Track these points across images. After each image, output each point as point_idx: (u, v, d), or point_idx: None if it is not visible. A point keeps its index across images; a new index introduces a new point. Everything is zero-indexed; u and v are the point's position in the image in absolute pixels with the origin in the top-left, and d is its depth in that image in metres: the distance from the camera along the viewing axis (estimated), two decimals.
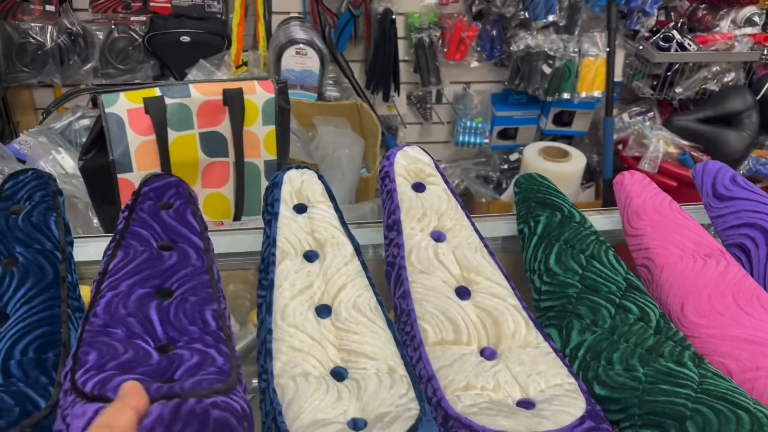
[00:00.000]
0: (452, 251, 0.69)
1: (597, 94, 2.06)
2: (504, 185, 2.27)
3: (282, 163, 1.28)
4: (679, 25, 2.03)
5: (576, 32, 1.96)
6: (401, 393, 0.51)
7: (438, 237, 0.72)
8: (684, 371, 0.54)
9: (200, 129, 1.18)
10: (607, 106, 2.03)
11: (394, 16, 1.90)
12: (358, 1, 1.90)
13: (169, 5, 1.72)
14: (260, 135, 1.22)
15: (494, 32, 2.00)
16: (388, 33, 1.90)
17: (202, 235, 0.69)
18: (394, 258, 0.70)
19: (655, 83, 2.12)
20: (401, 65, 2.10)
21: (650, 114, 2.24)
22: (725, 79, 2.10)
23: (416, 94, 2.16)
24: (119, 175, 1.13)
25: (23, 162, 1.50)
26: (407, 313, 0.63)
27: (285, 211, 0.73)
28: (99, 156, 1.14)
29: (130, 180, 1.14)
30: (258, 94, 1.21)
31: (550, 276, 0.68)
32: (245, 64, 1.86)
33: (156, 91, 1.13)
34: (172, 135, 1.15)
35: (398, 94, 2.07)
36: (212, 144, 1.19)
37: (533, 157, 1.94)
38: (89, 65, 1.79)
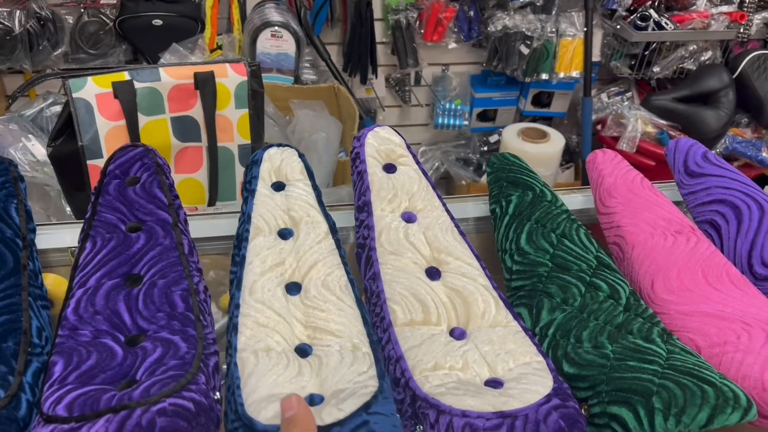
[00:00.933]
0: (423, 232, 0.69)
1: (575, 74, 2.05)
2: (484, 167, 2.26)
3: (256, 147, 1.26)
4: (656, 4, 2.03)
5: (553, 12, 1.95)
6: (361, 370, 0.51)
7: (409, 218, 0.71)
8: (652, 347, 0.54)
9: (171, 113, 1.15)
10: (585, 87, 2.03)
11: None
12: None
13: None
14: (233, 119, 1.21)
15: (472, 13, 1.99)
16: (365, 15, 1.88)
17: (170, 207, 0.67)
18: (364, 239, 0.69)
19: (633, 63, 2.12)
20: (379, 47, 2.09)
21: (628, 94, 2.24)
22: (702, 58, 2.11)
23: (394, 76, 2.15)
24: (89, 162, 1.11)
25: None
26: (377, 294, 0.62)
27: (262, 188, 0.72)
28: (68, 142, 1.12)
29: (100, 166, 1.12)
30: (230, 78, 1.19)
31: (521, 255, 0.68)
32: (220, 47, 1.83)
33: (125, 75, 1.11)
34: (142, 120, 1.13)
35: (376, 77, 2.05)
36: (184, 128, 1.17)
37: (512, 139, 1.93)
38: (59, 50, 1.76)
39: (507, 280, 0.69)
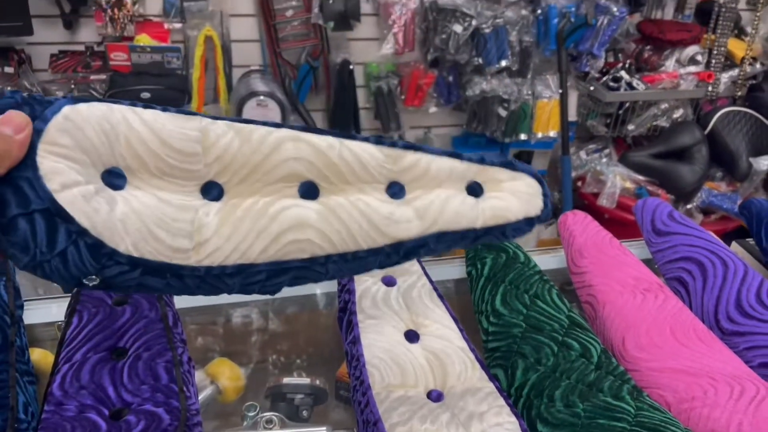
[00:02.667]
0: (402, 295, 0.71)
1: (552, 134, 2.12)
2: None
3: None
4: (627, 65, 2.12)
5: (529, 76, 2.04)
6: None
7: (389, 282, 0.74)
8: (621, 405, 0.56)
9: None
10: (563, 146, 2.09)
11: (352, 66, 1.96)
12: (317, 53, 1.95)
13: (129, 63, 1.74)
14: None
15: (450, 78, 2.07)
16: (347, 82, 1.95)
17: None
18: (345, 303, 0.71)
19: (608, 121, 2.20)
20: (362, 113, 2.15)
21: (606, 151, 2.31)
22: (674, 116, 2.19)
23: None
24: None
25: None
26: (357, 358, 0.64)
27: None
28: None
29: None
30: None
31: (496, 317, 0.70)
32: None
33: None
34: None
35: None
36: None
37: None
38: None
39: (484, 342, 0.71)
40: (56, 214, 0.37)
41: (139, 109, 0.43)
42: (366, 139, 0.48)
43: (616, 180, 2.07)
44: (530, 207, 0.51)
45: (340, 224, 0.46)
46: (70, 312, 0.65)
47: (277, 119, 1.88)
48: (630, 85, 2.07)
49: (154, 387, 0.58)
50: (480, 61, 1.96)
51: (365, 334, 0.66)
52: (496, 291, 0.73)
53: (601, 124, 2.20)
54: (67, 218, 0.37)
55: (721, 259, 0.77)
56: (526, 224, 0.51)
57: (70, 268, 0.38)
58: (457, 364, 0.63)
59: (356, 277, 0.73)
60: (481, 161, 0.52)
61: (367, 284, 0.72)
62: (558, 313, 0.69)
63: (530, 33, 1.97)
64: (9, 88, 1.66)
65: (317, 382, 0.78)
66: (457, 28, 1.85)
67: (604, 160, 2.20)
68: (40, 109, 0.38)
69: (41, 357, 0.72)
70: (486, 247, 0.79)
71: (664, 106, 2.16)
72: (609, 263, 0.78)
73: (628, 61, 2.14)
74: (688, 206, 2.05)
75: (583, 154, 2.27)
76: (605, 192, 2.05)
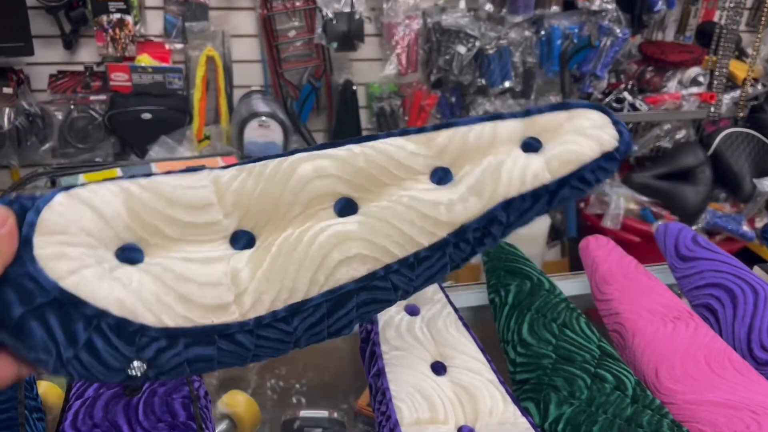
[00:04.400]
0: (426, 325, 0.68)
1: None
2: None
3: None
4: (629, 86, 2.12)
5: (532, 96, 2.03)
6: None
7: (412, 311, 0.71)
8: None
9: None
10: None
11: (354, 87, 1.94)
12: (319, 73, 1.94)
13: (129, 84, 1.72)
14: None
15: (453, 99, 2.06)
16: (350, 103, 1.94)
17: None
18: (368, 334, 0.68)
19: None
20: (364, 133, 2.14)
21: None
22: (677, 137, 2.18)
23: None
24: None
25: None
26: (382, 392, 0.61)
27: None
28: None
29: None
30: None
31: (524, 347, 0.67)
32: (208, 138, 1.86)
33: (117, 172, 1.12)
34: None
35: None
36: None
37: None
38: (47, 146, 1.78)
39: (511, 373, 0.68)
40: (67, 302, 0.34)
41: (139, 178, 0.39)
42: (389, 134, 0.43)
43: (620, 201, 2.06)
44: (603, 140, 0.43)
45: (389, 227, 0.41)
46: None
47: (279, 140, 1.87)
48: (633, 106, 2.07)
49: (171, 425, 0.55)
50: (483, 81, 1.95)
51: (390, 367, 0.63)
52: (522, 320, 0.70)
53: None
54: (80, 303, 0.34)
55: (750, 286, 0.75)
56: (606, 161, 0.43)
57: (104, 358, 0.35)
58: (488, 398, 0.60)
59: None
60: (527, 113, 0.45)
61: (390, 313, 0.69)
62: (588, 342, 0.67)
63: (533, 54, 1.97)
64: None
65: (335, 415, 0.75)
66: (461, 49, 1.84)
67: (609, 180, 2.19)
68: (30, 203, 0.35)
69: (48, 390, 0.68)
70: (510, 273, 0.77)
71: (666, 126, 2.15)
72: (636, 290, 0.75)
73: (631, 82, 2.14)
74: (693, 227, 2.03)
75: None
76: (609, 213, 2.03)
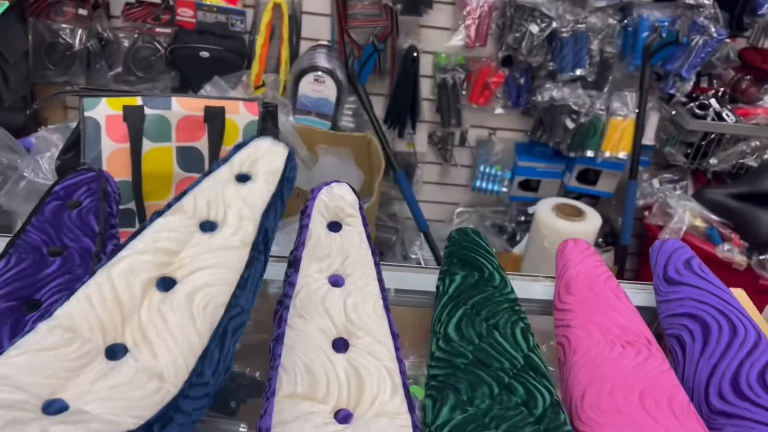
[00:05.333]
0: (344, 298, 0.64)
1: (622, 155, 1.97)
2: (518, 237, 2.19)
3: None
4: (719, 94, 1.93)
5: (605, 89, 1.89)
6: (135, 404, 0.44)
7: (335, 281, 0.67)
8: None
9: (178, 143, 1.17)
10: (632, 170, 1.94)
11: (416, 54, 1.88)
12: (384, 35, 1.89)
13: (194, 20, 1.75)
14: None
15: (522, 80, 1.95)
16: (409, 70, 1.88)
17: (98, 236, 0.66)
18: (283, 297, 0.65)
19: (688, 151, 2.02)
20: (425, 104, 2.08)
21: (683, 183, 2.13)
22: (765, 156, 1.98)
23: (438, 134, 2.13)
24: None
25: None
26: (274, 357, 0.58)
27: (224, 173, 0.67)
28: (75, 158, 1.15)
29: None
30: (241, 115, 1.20)
31: (446, 342, 0.62)
32: (264, 85, 1.87)
33: (137, 101, 1.14)
34: (147, 145, 1.14)
35: (414, 132, 2.04)
36: (189, 159, 1.18)
37: (546, 213, 1.86)
38: (115, 71, 1.84)
39: (428, 366, 0.63)
40: None
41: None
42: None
43: (685, 215, 1.90)
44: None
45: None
46: (1, 254, 0.63)
47: (333, 97, 1.84)
48: (719, 115, 1.89)
49: None
50: (554, 66, 1.83)
51: (291, 333, 0.60)
52: (454, 313, 0.65)
53: (681, 153, 2.02)
54: None
55: (731, 324, 0.66)
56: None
57: None
58: (377, 385, 0.56)
59: (301, 270, 0.67)
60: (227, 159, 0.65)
61: (310, 279, 0.66)
62: (515, 350, 0.61)
63: (614, 44, 1.83)
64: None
65: (256, 374, 0.73)
66: (533, 28, 1.74)
67: (678, 192, 2.02)
68: None
69: None
70: (461, 262, 0.71)
71: (755, 143, 1.95)
72: (595, 305, 0.68)
73: (723, 90, 1.95)
74: (762, 257, 1.85)
75: (655, 182, 2.11)
76: (670, 226, 1.88)
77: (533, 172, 2.15)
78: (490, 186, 2.15)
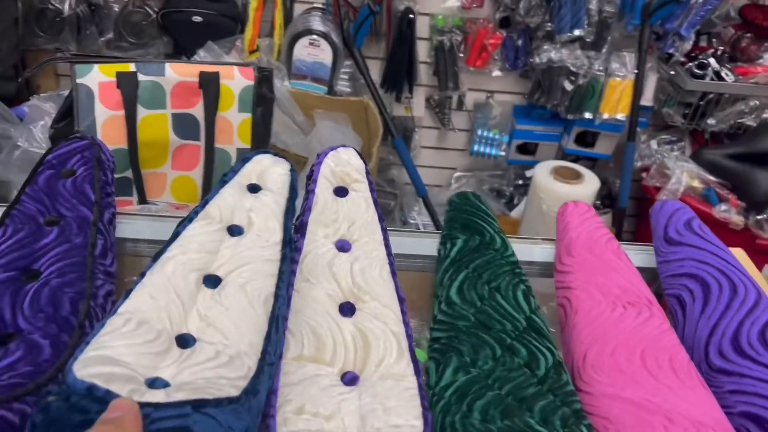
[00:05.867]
0: (351, 263, 0.65)
1: (620, 117, 1.96)
2: (516, 201, 2.19)
3: None
4: (719, 53, 1.91)
5: (604, 50, 1.87)
6: (228, 375, 0.46)
7: (342, 246, 0.67)
8: (541, 431, 0.48)
9: (173, 109, 1.16)
10: (630, 131, 1.93)
11: (412, 16, 1.85)
12: None
13: None
14: (234, 122, 1.20)
15: (520, 42, 1.93)
16: (405, 32, 1.86)
17: (95, 205, 0.66)
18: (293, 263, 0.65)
19: (687, 112, 2.01)
20: (422, 67, 2.05)
21: (681, 144, 2.12)
22: (764, 115, 1.97)
23: (435, 98, 2.11)
24: None
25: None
26: (283, 321, 0.58)
27: (235, 184, 0.69)
28: (68, 126, 1.14)
29: None
30: (236, 80, 1.18)
31: (448, 305, 0.63)
32: (258, 50, 1.84)
33: (131, 67, 1.12)
34: (142, 112, 1.13)
35: (411, 96, 2.02)
36: (184, 126, 1.17)
37: (543, 176, 1.86)
38: (106, 37, 1.81)
39: (431, 329, 0.64)
40: None
41: None
42: None
43: (683, 176, 1.90)
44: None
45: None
46: None
47: (328, 61, 1.82)
48: (717, 75, 1.87)
49: (50, 317, 0.54)
50: (552, 26, 1.81)
51: (297, 297, 0.60)
52: (456, 276, 0.65)
53: (679, 113, 2.01)
54: None
55: (731, 283, 0.67)
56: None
57: None
58: (383, 348, 0.56)
59: (308, 235, 0.67)
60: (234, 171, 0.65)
61: (317, 244, 0.66)
62: (517, 312, 0.61)
63: (612, 3, 1.80)
64: None
65: None
66: None
67: (676, 153, 2.02)
68: None
69: None
70: (462, 226, 0.71)
71: (753, 102, 1.94)
72: (596, 266, 0.68)
73: (722, 48, 1.93)
74: (759, 217, 1.86)
75: (654, 143, 2.10)
76: (667, 188, 1.88)
77: (531, 135, 2.14)
78: (487, 150, 2.14)
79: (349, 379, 0.54)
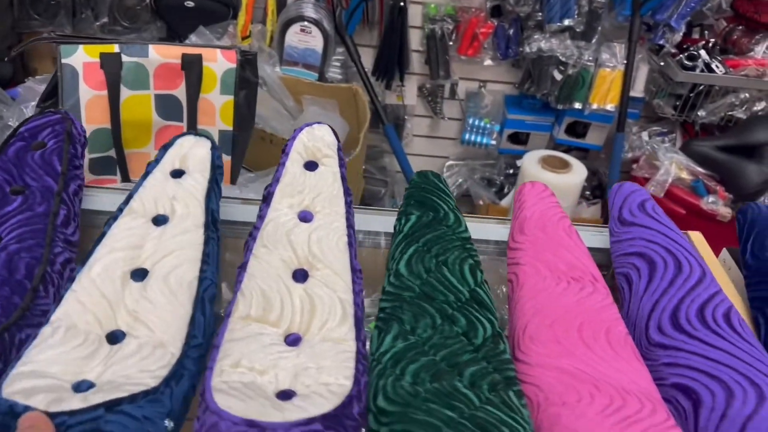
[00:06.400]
0: (309, 233, 0.67)
1: (610, 107, 1.96)
2: (506, 190, 2.20)
3: (239, 135, 1.27)
4: (710, 45, 1.92)
5: (594, 40, 1.88)
6: (148, 367, 0.49)
7: (304, 217, 0.70)
8: (468, 394, 0.50)
9: (156, 90, 1.18)
10: (619, 122, 1.94)
11: (403, 4, 1.87)
12: None
13: None
14: (216, 104, 1.22)
15: (511, 31, 1.94)
16: (397, 20, 1.87)
17: (61, 176, 0.68)
18: (253, 229, 0.68)
19: (677, 104, 2.01)
20: (415, 55, 2.07)
21: (672, 135, 2.13)
22: (755, 108, 1.97)
23: (427, 86, 2.12)
24: None
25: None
26: (237, 284, 0.61)
27: (159, 172, 0.72)
28: (55, 105, 1.16)
29: None
30: (218, 63, 1.20)
31: (396, 277, 0.65)
32: (251, 36, 1.86)
33: (114, 48, 1.14)
34: (126, 93, 1.15)
35: (402, 84, 2.03)
36: (167, 107, 1.19)
37: (531, 165, 1.87)
38: (101, 21, 1.83)
39: (380, 300, 0.66)
40: None
41: None
42: None
43: (671, 168, 1.91)
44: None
45: None
46: None
47: (319, 48, 1.84)
48: (708, 67, 1.87)
49: (4, 280, 0.57)
50: (542, 16, 1.82)
51: (254, 261, 0.63)
52: (406, 250, 0.67)
53: (669, 105, 2.02)
54: None
55: (676, 261, 0.68)
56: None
57: None
58: (327, 313, 0.58)
59: (273, 205, 0.69)
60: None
61: (280, 212, 0.69)
62: (461, 285, 0.63)
63: None
64: None
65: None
66: None
67: (666, 144, 2.02)
68: None
69: None
70: (418, 203, 0.73)
71: (744, 95, 1.95)
72: (546, 243, 0.70)
73: (714, 41, 1.94)
74: None
75: (645, 135, 2.10)
76: (655, 179, 1.89)
77: (522, 125, 2.15)
78: (478, 139, 2.15)
79: (292, 339, 0.56)
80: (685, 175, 1.93)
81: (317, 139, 0.78)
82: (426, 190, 0.75)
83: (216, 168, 0.74)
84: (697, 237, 0.85)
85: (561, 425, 0.51)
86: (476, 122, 2.13)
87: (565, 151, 2.13)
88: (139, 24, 1.80)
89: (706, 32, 1.99)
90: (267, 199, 0.71)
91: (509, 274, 0.70)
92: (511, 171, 2.22)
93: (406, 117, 2.14)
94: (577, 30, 1.85)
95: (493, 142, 2.16)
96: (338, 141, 0.81)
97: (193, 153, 0.75)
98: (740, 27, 1.96)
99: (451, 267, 0.65)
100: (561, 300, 0.63)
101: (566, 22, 1.80)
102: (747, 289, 0.74)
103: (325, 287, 0.61)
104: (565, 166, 1.87)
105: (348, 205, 0.73)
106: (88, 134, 1.13)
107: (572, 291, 0.64)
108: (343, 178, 0.76)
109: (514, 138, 2.21)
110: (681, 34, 1.86)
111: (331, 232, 0.68)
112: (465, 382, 0.52)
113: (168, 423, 0.47)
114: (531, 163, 1.88)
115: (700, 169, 1.93)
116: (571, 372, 0.56)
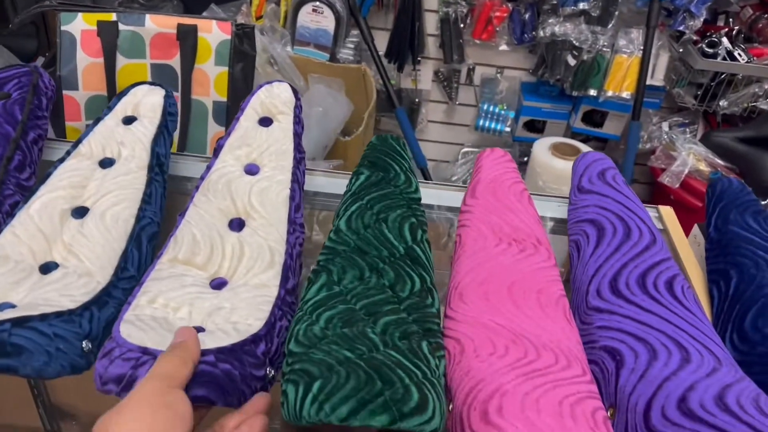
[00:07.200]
0: (252, 185, 0.68)
1: (626, 95, 1.92)
2: None
3: (233, 106, 1.28)
4: (733, 32, 1.85)
5: (610, 25, 1.83)
6: (68, 292, 0.51)
7: (250, 170, 0.71)
8: (372, 339, 0.50)
9: (152, 60, 1.20)
10: (634, 110, 1.89)
11: None
12: None
13: None
14: (211, 75, 1.24)
15: (527, 16, 1.91)
16: (409, 3, 1.86)
17: (20, 124, 0.71)
18: (199, 180, 0.69)
19: (698, 93, 1.95)
20: (430, 39, 2.05)
21: (693, 127, 2.07)
22: None
23: (442, 71, 2.11)
24: (65, 92, 1.18)
25: None
26: (175, 229, 0.62)
27: (110, 119, 0.75)
28: (55, 72, 1.20)
29: (74, 97, 1.19)
30: (213, 34, 1.22)
31: (335, 233, 0.65)
32: (264, 16, 1.88)
33: (112, 16, 1.17)
34: (122, 61, 1.18)
35: (414, 67, 2.02)
36: (163, 76, 1.22)
37: (542, 151, 1.84)
38: None
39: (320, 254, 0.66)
40: None
41: None
42: None
43: (689, 158, 1.86)
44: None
45: None
46: None
47: (331, 28, 1.84)
48: (730, 55, 1.81)
49: None
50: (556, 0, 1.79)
51: (193, 210, 0.64)
52: (349, 208, 0.67)
53: (690, 94, 1.96)
54: None
55: (626, 228, 0.67)
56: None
57: None
58: (255, 259, 0.59)
59: (221, 156, 0.71)
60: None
61: (226, 164, 0.70)
62: (397, 241, 0.63)
63: None
64: None
65: None
66: None
67: (687, 135, 1.97)
68: None
69: None
70: (371, 163, 0.73)
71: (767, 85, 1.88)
72: (495, 207, 0.69)
73: (738, 28, 1.87)
74: (764, 202, 1.80)
75: (665, 125, 2.05)
76: (670, 169, 1.84)
77: (539, 112, 2.12)
78: (492, 125, 2.13)
79: (217, 284, 0.57)
80: (703, 166, 1.87)
81: (274, 96, 0.80)
82: (381, 152, 0.75)
83: (168, 115, 0.76)
84: (666, 211, 0.83)
85: (470, 376, 0.51)
86: (491, 108, 2.11)
87: (583, 141, 2.09)
88: (156, 2, 1.83)
89: (731, 20, 1.93)
90: (216, 151, 0.73)
91: (456, 236, 0.70)
92: (526, 159, 2.19)
93: (421, 102, 2.13)
94: (593, 14, 1.81)
95: (507, 129, 2.14)
96: (297, 99, 0.82)
97: (146, 101, 0.77)
98: (766, 15, 1.88)
99: (391, 224, 0.65)
100: (497, 259, 0.63)
101: (581, 6, 1.76)
102: (706, 262, 0.72)
103: (257, 236, 0.62)
104: (576, 153, 1.83)
105: (296, 160, 0.73)
106: (84, 101, 1.17)
107: (511, 252, 0.64)
108: (296, 135, 0.77)
109: (531, 126, 2.18)
110: (702, 20, 1.81)
111: (273, 185, 0.68)
112: (377, 329, 0.52)
113: (86, 344, 0.49)
114: (541, 149, 1.85)
115: (719, 161, 1.87)
116: (491, 327, 0.55)
